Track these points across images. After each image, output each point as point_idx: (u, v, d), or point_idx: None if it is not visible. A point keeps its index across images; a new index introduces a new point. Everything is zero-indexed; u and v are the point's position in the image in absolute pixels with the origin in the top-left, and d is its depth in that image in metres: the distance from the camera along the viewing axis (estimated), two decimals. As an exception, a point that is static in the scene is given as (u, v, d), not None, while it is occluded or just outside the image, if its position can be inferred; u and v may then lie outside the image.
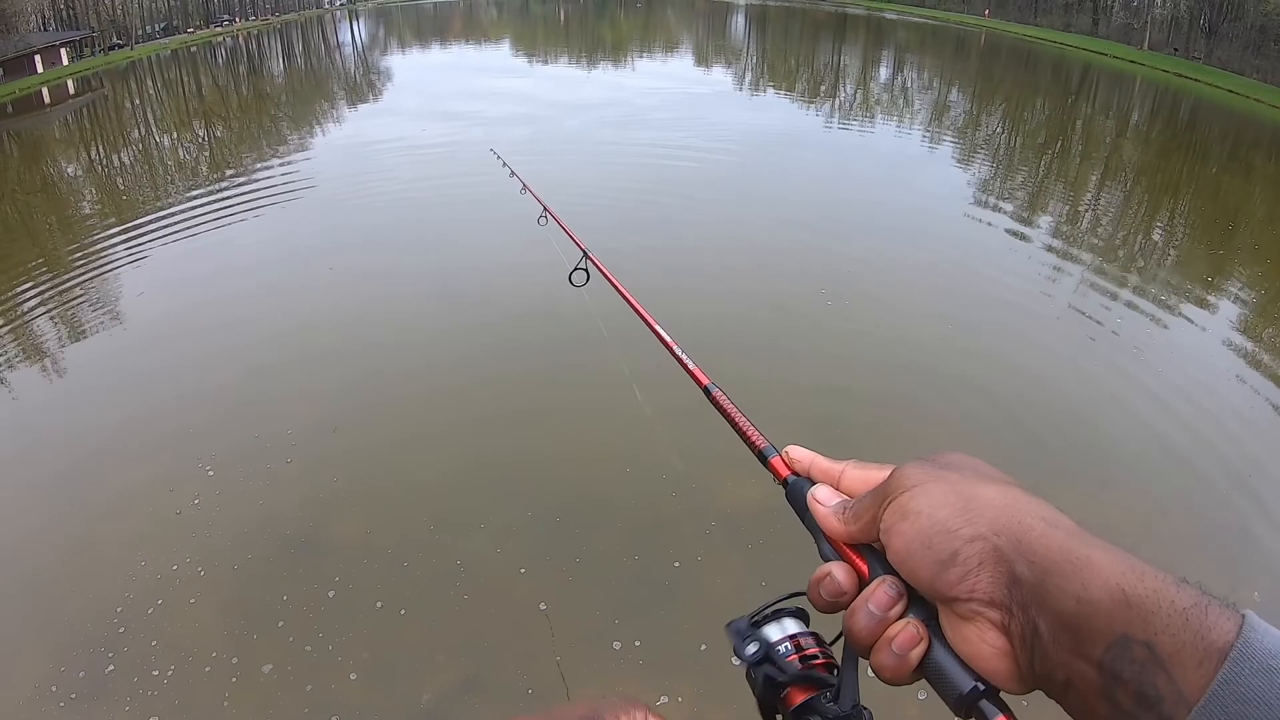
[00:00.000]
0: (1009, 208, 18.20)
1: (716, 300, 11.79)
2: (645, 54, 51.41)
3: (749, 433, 0.96)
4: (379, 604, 6.45)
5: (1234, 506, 8.13)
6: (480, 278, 12.38)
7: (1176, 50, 59.75)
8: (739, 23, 76.06)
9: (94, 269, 13.65)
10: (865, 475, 0.77)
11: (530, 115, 26.58)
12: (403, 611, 6.39)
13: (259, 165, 20.69)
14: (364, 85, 39.11)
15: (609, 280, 2.03)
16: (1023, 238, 15.88)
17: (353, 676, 5.87)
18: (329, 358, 10.22)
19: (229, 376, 9.80)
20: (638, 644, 6.13)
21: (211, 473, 7.97)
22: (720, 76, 40.82)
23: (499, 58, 49.18)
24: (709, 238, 14.55)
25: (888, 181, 20.01)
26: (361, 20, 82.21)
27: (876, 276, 13.24)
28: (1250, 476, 8.61)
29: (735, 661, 0.78)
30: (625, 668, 5.96)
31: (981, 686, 0.60)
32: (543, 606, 6.44)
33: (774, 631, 0.78)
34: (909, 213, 17.13)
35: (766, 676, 0.76)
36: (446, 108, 27.76)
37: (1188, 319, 12.55)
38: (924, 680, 0.65)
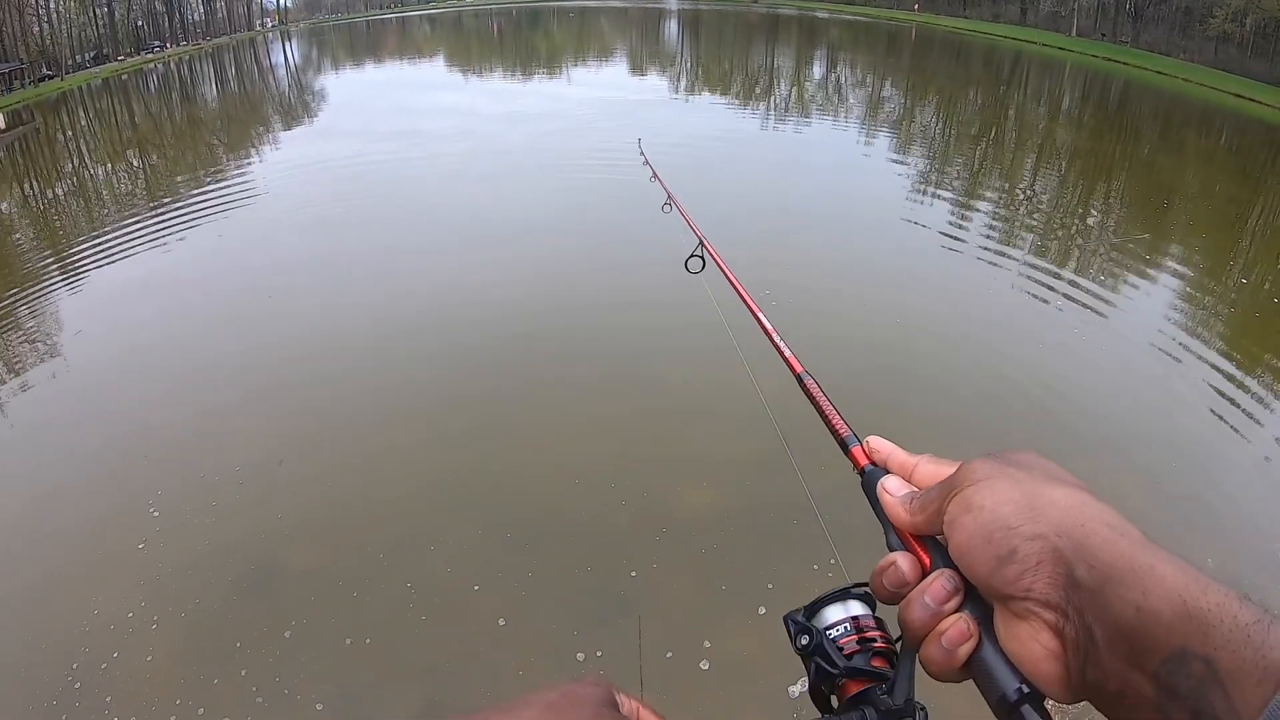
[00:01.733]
0: (947, 197, 18.35)
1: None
2: (581, 63, 51.35)
3: (834, 421, 0.97)
4: (335, 636, 6.30)
5: (1187, 479, 8.22)
6: (418, 303, 12.19)
7: (1105, 35, 60.97)
8: (672, 28, 76.36)
9: (29, 306, 13.24)
10: (937, 470, 0.77)
11: (470, 130, 26.40)
12: (368, 640, 6.24)
13: (196, 192, 20.24)
14: (299, 107, 38.62)
15: (721, 268, 2.11)
16: (962, 226, 15.97)
17: (319, 707, 5.73)
18: (273, 389, 10.02)
19: (172, 413, 9.53)
20: (599, 654, 6.05)
21: (157, 514, 7.72)
22: (657, 82, 40.69)
23: (436, 73, 48.81)
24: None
25: (825, 177, 20.13)
26: (294, 41, 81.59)
27: (819, 273, 13.19)
28: (1199, 453, 8.73)
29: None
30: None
31: (1026, 690, 0.60)
32: (501, 622, 6.34)
33: (836, 612, 0.79)
34: (846, 208, 17.26)
35: (818, 667, 0.77)
36: (387, 126, 27.40)
37: (1128, 296, 12.72)
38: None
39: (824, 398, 1.04)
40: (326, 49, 72.37)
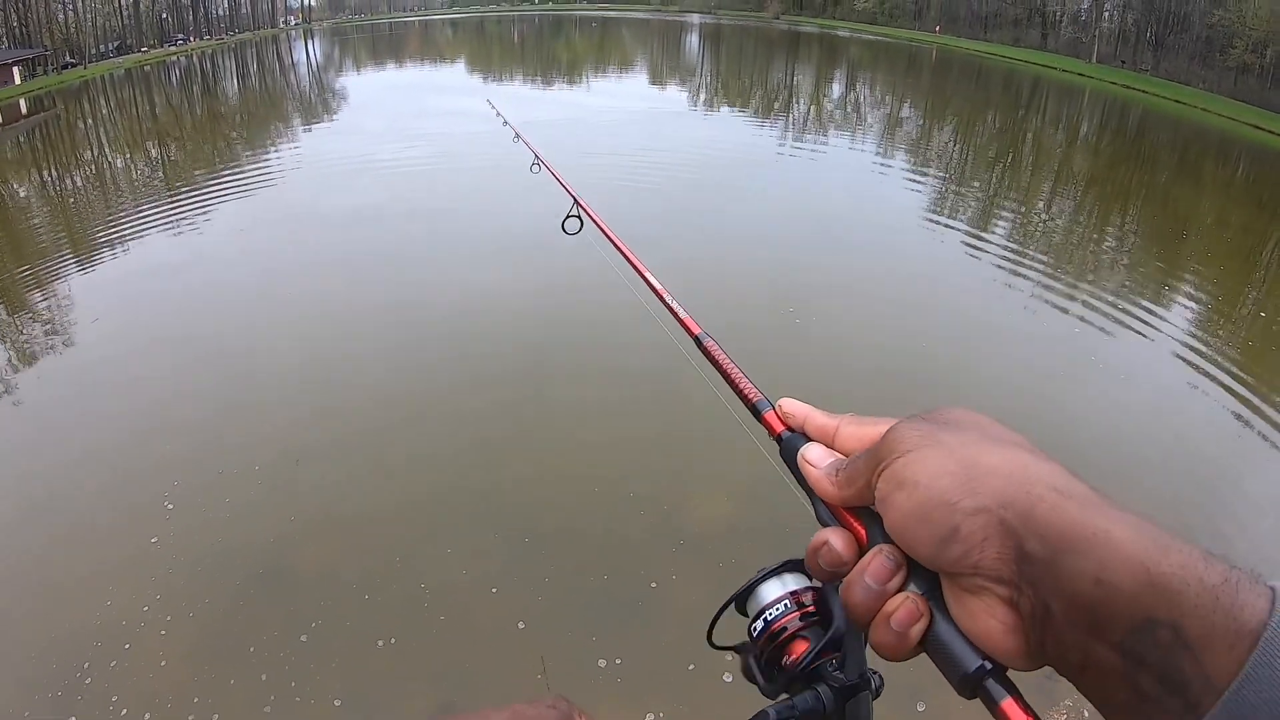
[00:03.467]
0: (964, 220, 18.37)
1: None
2: (601, 73, 51.48)
3: (741, 384, 0.91)
4: (353, 637, 6.31)
5: (1201, 508, 8.26)
6: (439, 308, 12.24)
7: (1124, 63, 60.84)
8: (693, 41, 76.46)
9: (48, 293, 13.36)
10: (861, 432, 0.71)
11: (492, 133, 26.25)
12: (381, 643, 6.25)
13: (215, 185, 20.33)
14: (320, 105, 38.78)
15: (600, 228, 1.98)
16: (978, 249, 15.99)
17: (337, 703, 5.76)
18: (293, 388, 10.08)
19: (192, 409, 9.57)
20: (619, 661, 6.07)
21: (171, 507, 7.73)
22: (676, 94, 40.80)
23: (457, 78, 48.92)
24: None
25: (844, 195, 20.17)
26: (316, 40, 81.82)
27: (840, 288, 13.28)
28: (1213, 479, 8.77)
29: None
30: (610, 686, 5.91)
31: (989, 665, 0.56)
32: (520, 625, 6.36)
33: (773, 589, 0.76)
34: (865, 226, 17.28)
35: (752, 663, 0.76)
36: (408, 127, 27.42)
37: (1142, 325, 12.66)
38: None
39: (727, 360, 0.98)
40: (349, 48, 72.55)
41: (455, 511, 7.78)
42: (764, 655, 0.75)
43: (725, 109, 37.16)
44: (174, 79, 53.91)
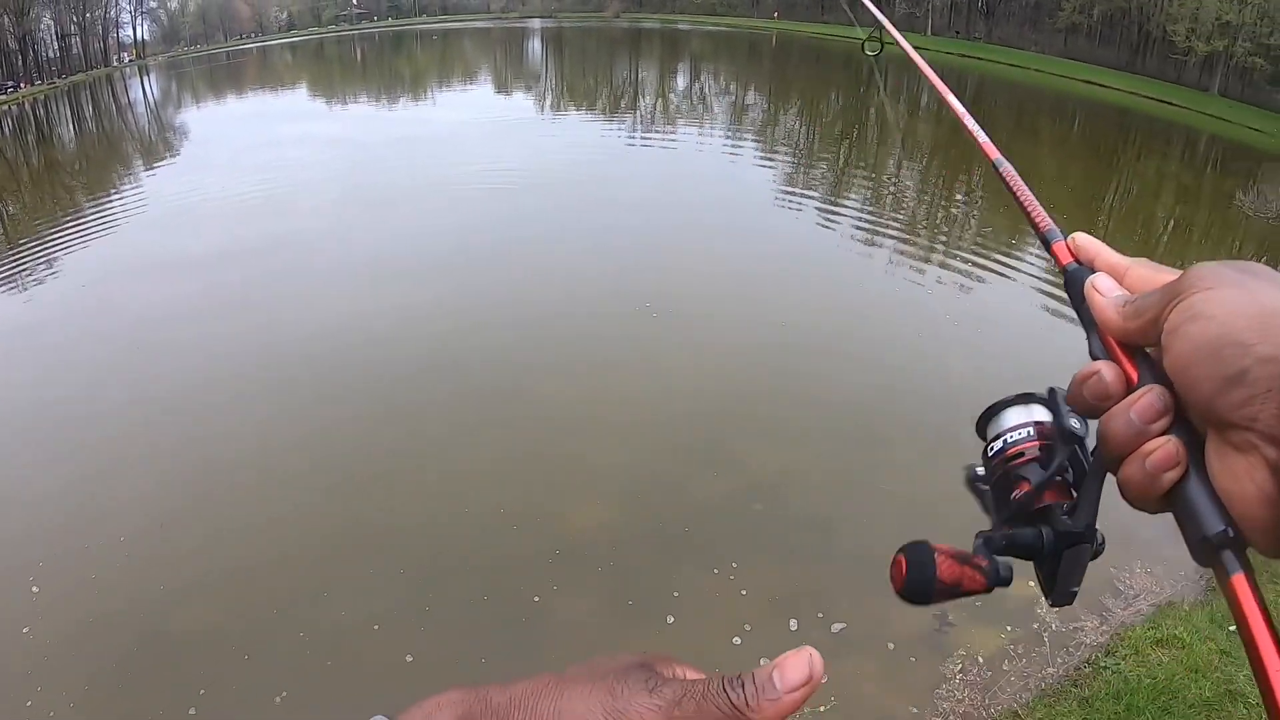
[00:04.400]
0: (816, 196, 18.35)
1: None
2: (446, 86, 50.79)
3: (1034, 212, 0.87)
4: (243, 699, 5.82)
5: None
6: (292, 346, 11.53)
7: (958, 33, 62.86)
8: (535, 47, 76.23)
9: None
10: (1154, 275, 0.66)
11: (348, 158, 25.40)
12: (276, 699, 5.76)
13: (57, 237, 18.96)
14: (161, 144, 37.01)
15: (904, 47, 1.77)
16: (832, 223, 15.99)
17: None
18: (148, 448, 9.26)
19: (45, 481, 8.70)
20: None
21: (38, 590, 7.01)
22: (523, 102, 40.28)
23: (301, 103, 47.49)
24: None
25: (696, 183, 19.96)
26: (153, 76, 79.01)
27: (698, 279, 13.01)
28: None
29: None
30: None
31: (1232, 532, 0.54)
32: (409, 659, 5.99)
33: (1017, 414, 0.73)
34: (722, 212, 17.06)
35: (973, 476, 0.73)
36: (254, 159, 26.18)
37: (996, 276, 12.88)
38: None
39: (1021, 186, 0.91)
40: (186, 83, 70.10)
41: (327, 554, 7.33)
42: (995, 480, 0.72)
43: (573, 111, 36.88)
44: (5, 129, 51.30)
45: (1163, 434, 0.56)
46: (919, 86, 41.75)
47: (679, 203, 17.75)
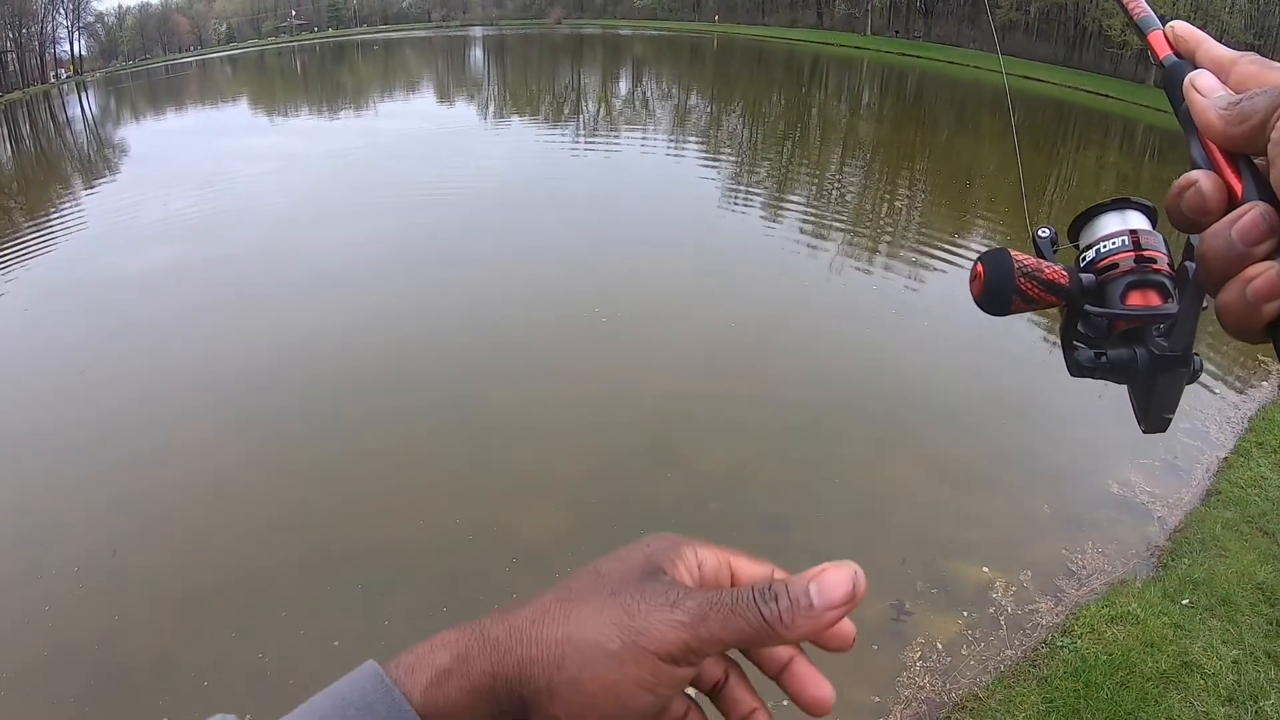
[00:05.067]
0: (760, 196, 18.43)
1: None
2: (389, 96, 50.44)
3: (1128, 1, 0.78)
4: None
5: (1016, 434, 8.52)
6: (245, 362, 11.28)
7: (898, 32, 63.64)
8: (477, 55, 75.99)
9: None
10: (1263, 73, 0.58)
11: (290, 171, 25.09)
12: None
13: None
14: (101, 162, 36.31)
15: None
16: (777, 222, 16.05)
17: None
18: (96, 469, 8.93)
19: None
20: None
21: None
22: (466, 110, 40.09)
23: (242, 117, 46.85)
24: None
25: (642, 189, 19.89)
26: (91, 92, 77.66)
27: (646, 282, 13.01)
28: (1022, 406, 9.14)
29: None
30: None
31: None
32: None
33: (1111, 222, 0.67)
34: (668, 214, 17.11)
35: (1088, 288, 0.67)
36: (194, 175, 25.69)
37: (940, 269, 12.96)
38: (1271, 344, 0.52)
39: None
40: (126, 98, 68.87)
41: (282, 574, 7.17)
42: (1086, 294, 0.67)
43: (517, 118, 36.77)
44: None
45: (1267, 258, 0.50)
46: (860, 85, 42.16)
47: (625, 207, 17.74)
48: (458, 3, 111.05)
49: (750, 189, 19.34)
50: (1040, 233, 0.70)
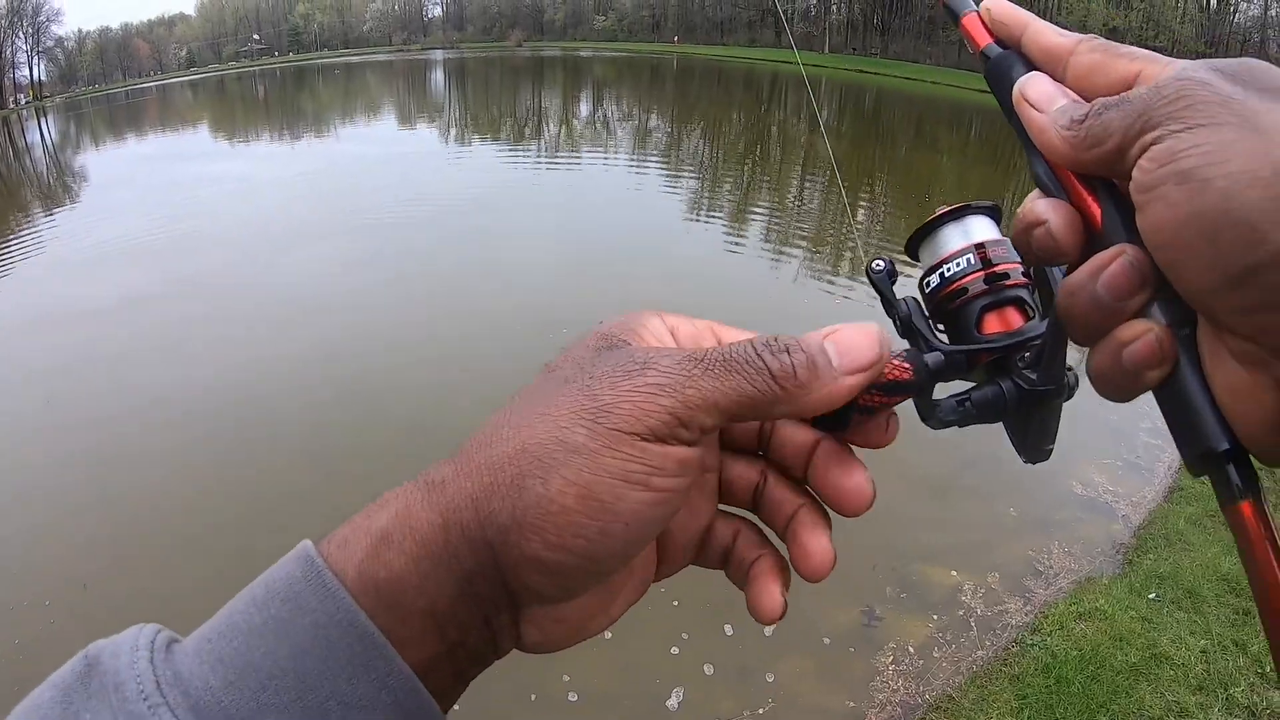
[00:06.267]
0: (722, 215, 18.54)
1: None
2: (350, 121, 50.26)
3: None
4: None
5: (979, 440, 8.36)
6: (211, 393, 11.15)
7: (856, 50, 64.49)
8: (438, 78, 75.95)
9: None
10: (1112, 66, 0.45)
11: (250, 196, 24.80)
12: None
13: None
14: (60, 189, 35.86)
15: None
16: (739, 241, 16.14)
17: None
18: (67, 500, 8.70)
19: None
20: (456, 709, 5.47)
21: None
22: (427, 133, 39.99)
23: (203, 142, 46.44)
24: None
25: (604, 209, 19.97)
26: (50, 118, 76.97)
27: (611, 302, 12.93)
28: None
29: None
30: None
31: (1232, 449, 0.40)
32: None
33: (953, 238, 0.57)
34: (631, 233, 17.21)
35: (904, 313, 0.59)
36: (154, 201, 25.40)
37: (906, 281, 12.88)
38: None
39: None
40: (85, 124, 68.19)
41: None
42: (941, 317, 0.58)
43: (478, 141, 36.75)
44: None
45: (1140, 312, 0.42)
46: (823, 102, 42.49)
47: (588, 227, 17.74)
48: (418, 26, 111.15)
49: (712, 206, 19.51)
50: (874, 265, 0.61)
